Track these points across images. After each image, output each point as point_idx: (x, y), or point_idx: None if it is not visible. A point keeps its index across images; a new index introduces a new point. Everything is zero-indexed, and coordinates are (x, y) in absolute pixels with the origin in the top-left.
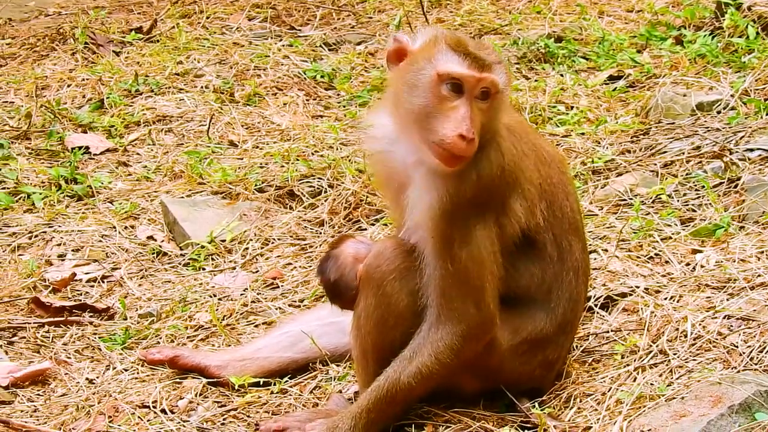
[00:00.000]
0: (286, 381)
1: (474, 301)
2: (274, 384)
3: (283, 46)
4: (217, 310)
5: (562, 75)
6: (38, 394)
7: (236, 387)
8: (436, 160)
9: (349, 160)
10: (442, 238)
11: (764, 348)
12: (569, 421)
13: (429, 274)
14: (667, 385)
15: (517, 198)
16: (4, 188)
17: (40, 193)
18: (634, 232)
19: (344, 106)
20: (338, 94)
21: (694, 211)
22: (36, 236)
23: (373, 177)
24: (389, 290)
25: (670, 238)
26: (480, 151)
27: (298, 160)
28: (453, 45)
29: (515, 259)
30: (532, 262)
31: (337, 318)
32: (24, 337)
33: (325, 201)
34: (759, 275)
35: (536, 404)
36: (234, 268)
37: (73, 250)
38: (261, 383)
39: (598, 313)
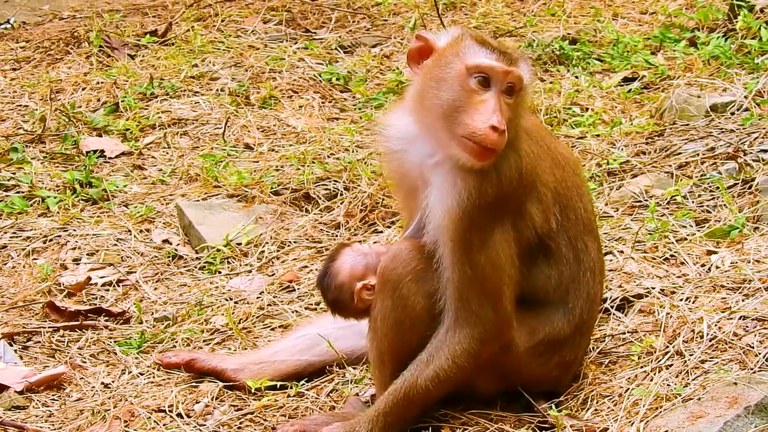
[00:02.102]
0: (303, 384)
1: (492, 305)
2: (291, 387)
3: (299, 48)
4: (233, 313)
5: (576, 77)
6: (53, 399)
7: (253, 390)
8: (465, 155)
9: (365, 163)
10: (461, 241)
11: None
12: (586, 421)
13: (447, 278)
14: (684, 386)
15: (534, 202)
16: (18, 192)
17: (55, 197)
18: (650, 234)
19: (360, 109)
20: (353, 97)
21: (709, 212)
22: (51, 240)
23: (387, 177)
24: (405, 292)
25: (686, 239)
26: (500, 153)
27: (313, 162)
28: (480, 40)
29: (531, 262)
30: (548, 264)
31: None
32: (39, 342)
33: (341, 204)
34: None
35: (553, 405)
36: (250, 272)
37: (88, 254)
38: (278, 386)
39: (614, 314)
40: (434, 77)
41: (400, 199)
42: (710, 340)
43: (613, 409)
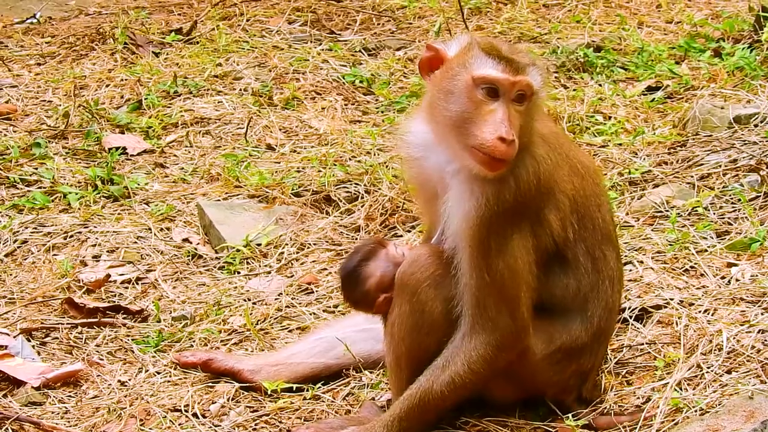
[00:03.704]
0: (319, 387)
1: (509, 312)
2: (307, 390)
3: (323, 50)
4: (251, 314)
5: (600, 85)
6: (70, 396)
7: (269, 392)
8: (477, 166)
9: (387, 166)
10: (479, 247)
11: None
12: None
13: (464, 283)
14: (701, 399)
15: (552, 208)
16: (40, 188)
17: (77, 193)
18: (670, 244)
19: (382, 112)
20: (377, 100)
21: (730, 224)
22: (71, 236)
23: (407, 183)
24: (423, 297)
25: (706, 250)
26: (516, 157)
27: (335, 165)
28: (487, 49)
29: (549, 270)
30: (565, 273)
31: (371, 325)
32: (57, 338)
33: (362, 207)
34: None
35: (570, 416)
36: (269, 273)
37: (108, 251)
38: (294, 389)
39: (632, 324)
40: (443, 89)
41: (421, 204)
42: (728, 353)
43: (630, 419)
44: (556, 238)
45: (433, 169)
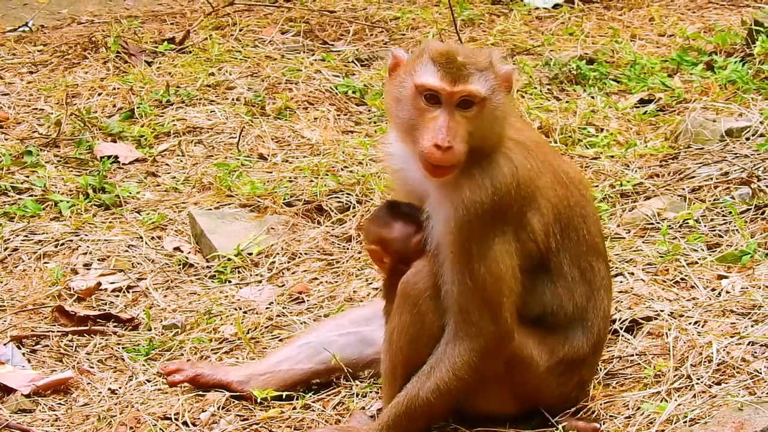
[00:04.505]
0: (310, 396)
1: (491, 317)
2: (298, 399)
3: (316, 60)
4: (242, 323)
5: (593, 97)
6: (60, 404)
7: (259, 400)
8: (424, 172)
9: (378, 177)
10: (460, 252)
11: None
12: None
13: (447, 290)
14: (691, 410)
15: (535, 213)
16: (31, 195)
17: (68, 202)
18: (661, 256)
19: (375, 122)
20: (369, 110)
21: (721, 236)
22: (62, 244)
23: (395, 194)
24: (424, 308)
25: (697, 263)
26: (489, 161)
27: (327, 175)
28: (434, 56)
29: (536, 281)
30: (554, 283)
31: (357, 328)
32: (47, 346)
33: (353, 217)
34: None
35: (560, 428)
36: (260, 282)
37: (98, 260)
38: (284, 397)
39: (623, 336)
40: (394, 96)
41: None
42: (718, 365)
43: (619, 429)
44: (540, 244)
45: (415, 179)
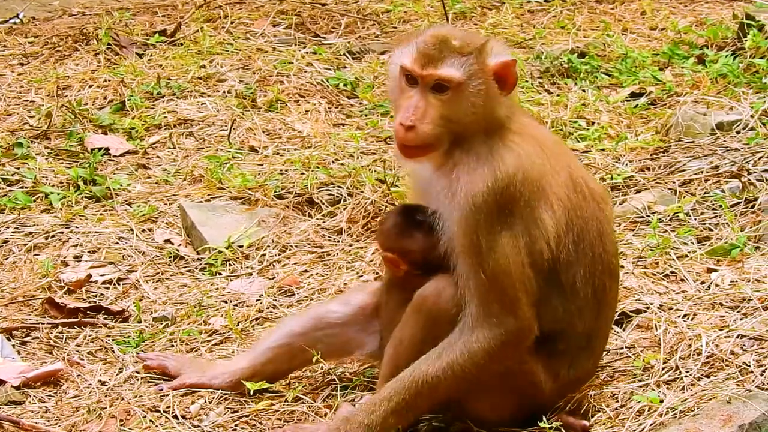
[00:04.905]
0: (300, 388)
1: (511, 310)
2: (289, 393)
3: (307, 53)
4: (231, 315)
5: (584, 90)
6: (50, 395)
7: (252, 392)
8: (396, 152)
9: (370, 169)
10: (469, 245)
11: None
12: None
13: (463, 285)
14: (680, 403)
15: (546, 209)
16: (22, 188)
17: (58, 194)
18: (651, 249)
19: (366, 115)
20: (360, 103)
21: (711, 230)
22: (53, 236)
23: (407, 194)
24: (439, 332)
25: (686, 256)
26: (489, 152)
27: (318, 167)
28: (423, 38)
29: (552, 294)
30: (564, 298)
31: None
32: (37, 338)
33: (344, 209)
34: None
35: (544, 418)
36: (251, 274)
37: (89, 252)
38: (276, 389)
39: (612, 328)
40: (389, 75)
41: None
42: (707, 358)
43: (608, 422)
44: (551, 244)
45: (421, 175)
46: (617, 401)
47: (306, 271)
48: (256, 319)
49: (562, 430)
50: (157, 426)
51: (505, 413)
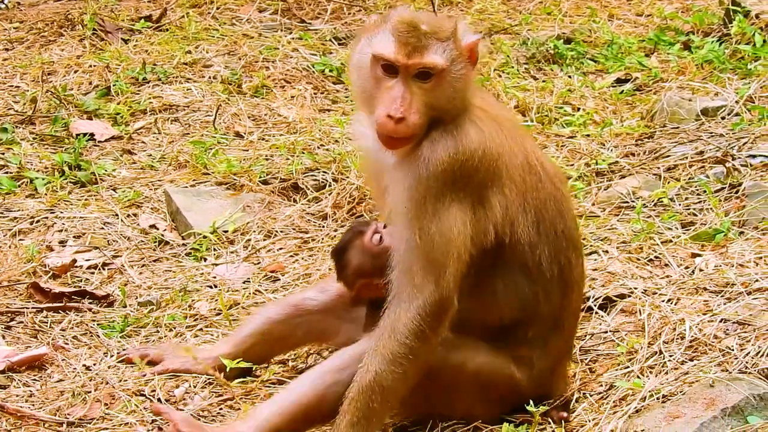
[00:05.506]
0: (285, 372)
1: (434, 278)
2: (270, 375)
3: (293, 39)
4: (215, 300)
5: (570, 76)
6: (34, 380)
7: (231, 374)
8: (380, 143)
9: (355, 155)
10: (415, 208)
11: (759, 352)
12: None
13: (395, 248)
14: (662, 386)
15: (497, 192)
16: (7, 173)
17: (43, 179)
18: (635, 235)
19: (351, 101)
20: (346, 89)
21: (695, 215)
22: (38, 222)
23: (362, 176)
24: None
25: (671, 241)
26: (454, 126)
27: (303, 153)
28: (394, 25)
29: (518, 278)
30: (534, 282)
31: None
32: (22, 322)
33: (329, 195)
34: (757, 280)
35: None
36: (236, 260)
37: (74, 237)
38: (258, 373)
39: (596, 313)
40: (354, 65)
41: (376, 198)
42: (691, 342)
43: (591, 406)
44: (498, 228)
45: (377, 154)
46: (601, 386)
47: (291, 256)
48: (242, 305)
49: (550, 419)
50: (141, 410)
51: (490, 411)
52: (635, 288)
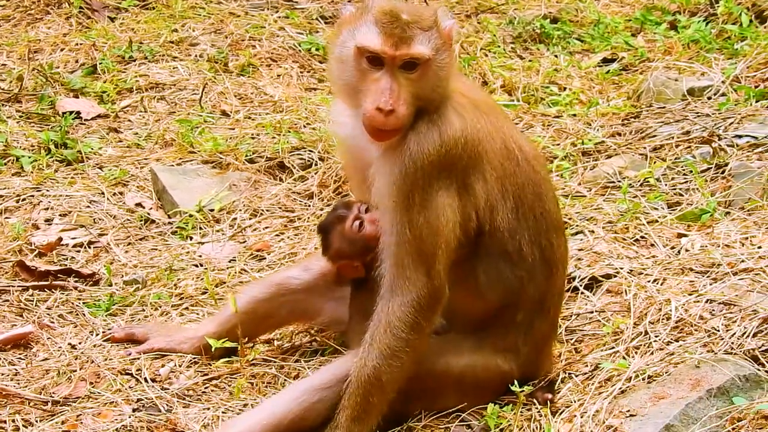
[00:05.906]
0: (270, 352)
1: (425, 269)
2: (255, 354)
3: (279, 17)
4: (201, 279)
5: (556, 56)
6: (20, 358)
7: (215, 352)
8: (368, 135)
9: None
10: (403, 201)
11: (745, 333)
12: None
13: (385, 242)
14: (648, 367)
15: (479, 179)
16: None
17: (30, 157)
18: (621, 215)
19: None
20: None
21: (681, 195)
22: (23, 200)
23: (342, 165)
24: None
25: (657, 221)
26: (438, 115)
27: (289, 132)
28: (377, 16)
29: (499, 264)
30: (512, 265)
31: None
32: (7, 301)
33: (315, 174)
34: (742, 261)
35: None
36: (221, 238)
37: (60, 215)
38: (241, 351)
39: (582, 293)
40: (336, 56)
41: (356, 186)
42: (676, 323)
43: (576, 386)
44: (480, 212)
45: (360, 145)
46: (586, 366)
47: (277, 235)
48: (228, 284)
49: (535, 399)
50: (126, 389)
51: (483, 402)
52: (621, 268)
